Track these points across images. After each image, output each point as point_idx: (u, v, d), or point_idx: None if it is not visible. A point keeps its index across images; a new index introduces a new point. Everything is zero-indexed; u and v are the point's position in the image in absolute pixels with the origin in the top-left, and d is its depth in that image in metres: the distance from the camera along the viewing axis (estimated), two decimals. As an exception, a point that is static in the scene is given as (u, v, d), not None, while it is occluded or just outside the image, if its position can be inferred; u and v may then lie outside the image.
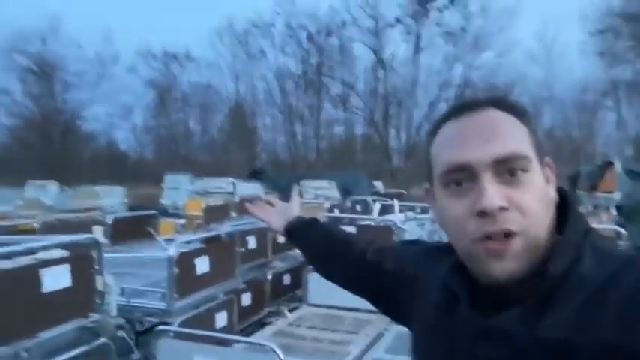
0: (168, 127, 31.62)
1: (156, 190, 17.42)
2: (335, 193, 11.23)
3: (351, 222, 5.15)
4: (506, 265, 0.63)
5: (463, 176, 0.65)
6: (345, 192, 11.29)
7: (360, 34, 29.30)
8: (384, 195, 12.25)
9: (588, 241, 0.66)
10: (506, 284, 0.64)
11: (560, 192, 0.71)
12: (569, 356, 0.58)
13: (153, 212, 6.41)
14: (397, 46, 29.42)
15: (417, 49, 28.83)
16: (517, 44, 33.77)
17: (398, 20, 28.43)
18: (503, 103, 0.70)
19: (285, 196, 1.33)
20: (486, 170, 0.64)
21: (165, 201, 14.01)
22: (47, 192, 13.50)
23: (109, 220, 5.47)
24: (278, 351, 2.32)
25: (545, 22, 34.13)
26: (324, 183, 11.47)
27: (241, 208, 8.33)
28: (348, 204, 9.40)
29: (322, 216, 5.35)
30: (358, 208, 9.29)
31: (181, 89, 31.44)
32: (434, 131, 0.72)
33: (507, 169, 0.64)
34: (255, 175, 14.55)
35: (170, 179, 14.20)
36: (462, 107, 0.70)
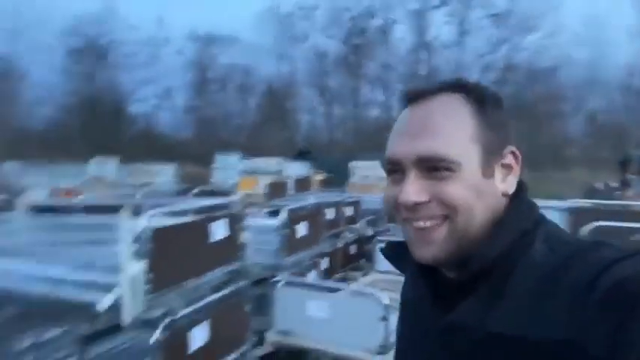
0: (207, 108, 32.53)
1: (198, 169, 18.09)
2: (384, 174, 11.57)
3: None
4: (430, 250, 0.67)
5: (397, 168, 0.69)
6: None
7: (403, 15, 29.16)
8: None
9: (541, 230, 0.66)
10: (440, 266, 0.69)
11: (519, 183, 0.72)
12: (520, 350, 0.59)
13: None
14: (440, 28, 28.99)
15: (462, 32, 28.54)
16: (565, 26, 32.63)
17: (443, 2, 28.12)
18: (461, 88, 0.70)
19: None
20: (412, 166, 0.67)
21: (215, 180, 14.61)
22: (108, 168, 14.40)
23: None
24: (381, 296, 2.82)
25: (594, 3, 32.81)
26: (373, 164, 11.86)
27: (298, 185, 8.95)
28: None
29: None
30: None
31: (221, 71, 32.21)
32: (397, 115, 0.74)
33: (431, 166, 0.66)
34: (301, 155, 15.08)
35: (220, 159, 14.85)
36: (415, 95, 0.71)
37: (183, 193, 7.98)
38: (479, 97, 0.69)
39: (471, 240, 0.67)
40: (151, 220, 2.12)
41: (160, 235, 2.13)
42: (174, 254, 2.32)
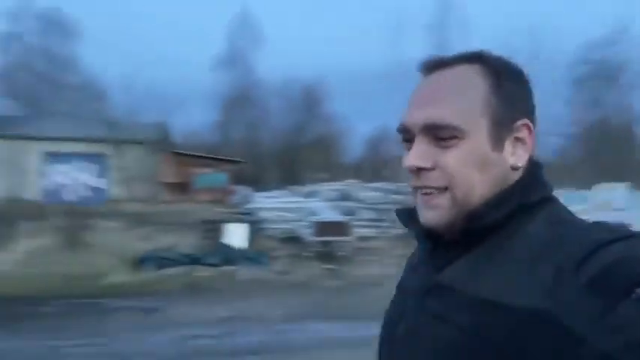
0: None
1: None
2: None
3: None
4: (431, 215, 0.68)
5: (408, 136, 0.70)
6: None
7: None
8: None
9: (546, 207, 0.66)
10: (441, 233, 0.69)
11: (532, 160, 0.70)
12: (496, 315, 0.59)
13: None
14: None
15: None
16: None
17: None
18: (478, 60, 0.70)
19: None
20: (419, 133, 0.68)
21: None
22: (615, 194, 13.72)
23: None
24: None
25: None
26: None
27: None
28: None
29: None
30: None
31: None
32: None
33: (438, 134, 0.67)
34: None
35: None
36: (431, 65, 0.72)
37: None
38: (495, 69, 0.69)
39: (470, 210, 0.67)
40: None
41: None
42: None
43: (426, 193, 0.69)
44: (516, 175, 0.69)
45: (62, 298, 7.16)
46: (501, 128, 0.68)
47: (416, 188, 0.70)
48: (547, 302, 0.56)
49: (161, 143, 26.67)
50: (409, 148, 0.70)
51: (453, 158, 0.66)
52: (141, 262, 9.19)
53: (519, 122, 0.69)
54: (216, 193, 24.99)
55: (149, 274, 8.53)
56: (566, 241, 0.60)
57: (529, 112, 0.71)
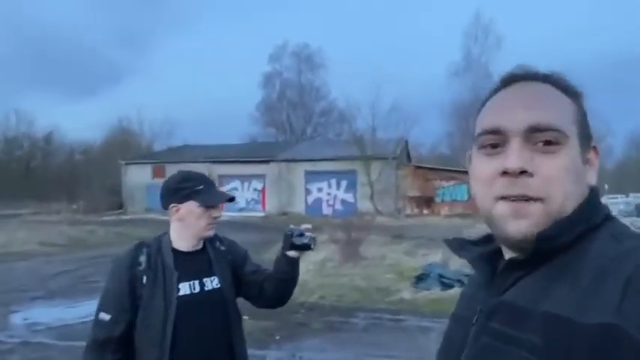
0: None
1: None
2: None
3: None
4: (521, 226, 0.68)
5: (498, 139, 0.71)
6: None
7: None
8: None
9: (609, 224, 0.68)
10: (521, 248, 0.69)
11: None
12: (569, 332, 0.59)
13: None
14: None
15: None
16: None
17: None
18: (556, 79, 0.73)
19: None
20: (518, 135, 0.69)
21: None
22: None
23: None
24: None
25: None
26: None
27: None
28: None
29: None
30: None
31: None
32: (484, 102, 0.77)
33: (541, 138, 0.68)
34: None
35: None
36: (513, 78, 0.74)
37: None
38: (575, 91, 0.73)
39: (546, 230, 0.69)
40: None
41: None
42: None
43: (515, 201, 0.68)
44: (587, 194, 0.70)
45: (363, 311, 7.50)
46: (585, 144, 0.72)
47: (506, 197, 0.69)
48: (616, 317, 0.56)
49: (404, 158, 27.39)
50: (493, 154, 0.71)
51: (556, 165, 0.67)
52: (420, 278, 9.11)
53: (592, 143, 0.73)
54: (458, 206, 24.33)
55: (434, 292, 8.34)
56: (634, 255, 0.61)
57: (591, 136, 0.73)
